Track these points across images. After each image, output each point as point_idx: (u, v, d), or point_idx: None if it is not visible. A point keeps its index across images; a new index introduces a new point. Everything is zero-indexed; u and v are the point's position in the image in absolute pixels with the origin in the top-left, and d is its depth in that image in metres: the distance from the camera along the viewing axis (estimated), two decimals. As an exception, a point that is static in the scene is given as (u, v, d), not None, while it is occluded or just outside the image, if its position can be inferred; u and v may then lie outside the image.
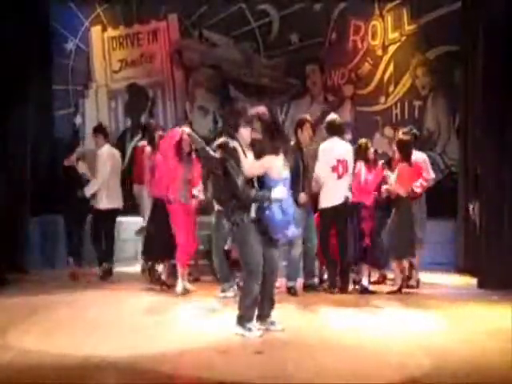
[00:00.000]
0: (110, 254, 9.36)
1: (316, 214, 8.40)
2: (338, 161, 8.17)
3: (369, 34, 11.50)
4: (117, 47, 11.92)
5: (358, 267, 8.32)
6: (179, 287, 8.04)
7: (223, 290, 7.98)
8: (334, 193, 8.15)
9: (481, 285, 8.54)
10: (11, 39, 9.45)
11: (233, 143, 6.20)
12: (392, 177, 8.19)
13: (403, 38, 11.45)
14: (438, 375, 5.14)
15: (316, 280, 8.46)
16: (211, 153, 8.00)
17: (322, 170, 8.21)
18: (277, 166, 6.15)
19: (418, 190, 8.40)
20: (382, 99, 11.53)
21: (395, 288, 8.22)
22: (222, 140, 8.00)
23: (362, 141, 8.48)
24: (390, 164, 8.52)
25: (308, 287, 8.29)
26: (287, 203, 6.16)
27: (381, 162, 8.47)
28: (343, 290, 8.21)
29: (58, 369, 5.20)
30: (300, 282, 8.30)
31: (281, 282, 7.85)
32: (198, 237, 8.71)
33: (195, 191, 8.14)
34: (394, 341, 6.05)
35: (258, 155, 6.17)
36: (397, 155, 8.28)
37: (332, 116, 8.55)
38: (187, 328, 6.56)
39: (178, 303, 7.69)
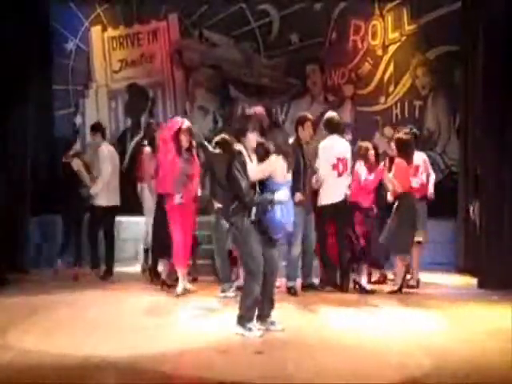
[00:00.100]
0: (111, 253, 9.37)
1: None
2: (338, 159, 8.19)
3: (369, 33, 11.50)
4: (117, 47, 11.92)
5: (359, 267, 8.32)
6: (179, 287, 8.02)
7: (223, 290, 7.98)
8: (334, 190, 8.16)
9: (481, 285, 8.54)
10: (11, 39, 9.45)
11: (238, 146, 6.19)
12: (390, 174, 8.20)
13: (403, 38, 11.46)
14: (438, 375, 5.14)
15: (315, 279, 8.45)
16: (210, 148, 8.04)
17: (322, 167, 8.21)
18: (281, 167, 6.16)
19: (416, 186, 8.40)
20: (382, 99, 11.54)
21: (396, 288, 8.22)
22: (220, 137, 8.06)
23: (363, 144, 8.49)
24: (391, 163, 8.51)
25: (307, 287, 8.28)
26: (289, 204, 6.17)
27: (381, 164, 8.46)
28: (343, 289, 8.21)
29: (58, 369, 5.21)
30: (299, 282, 8.30)
31: (281, 282, 7.86)
32: (199, 236, 8.73)
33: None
34: (394, 341, 6.05)
35: (262, 158, 6.17)
36: (396, 154, 8.29)
37: (330, 113, 8.55)
38: (187, 328, 6.57)
39: (178, 303, 7.68)
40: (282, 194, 6.08)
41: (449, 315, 7.09)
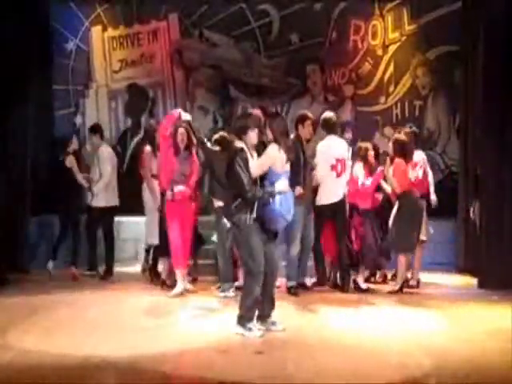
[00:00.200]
0: (111, 254, 9.38)
1: None
2: (337, 159, 8.21)
3: (369, 33, 11.50)
4: (117, 47, 11.92)
5: (358, 267, 8.34)
6: (178, 288, 8.00)
7: (223, 290, 7.98)
8: (333, 190, 8.18)
9: (481, 285, 8.54)
10: (11, 39, 9.44)
11: (240, 144, 6.20)
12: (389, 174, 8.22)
13: (403, 38, 11.46)
14: (438, 375, 5.15)
15: (308, 279, 8.43)
16: (209, 145, 8.04)
17: (321, 168, 8.22)
18: (280, 157, 6.18)
19: (412, 179, 8.43)
20: (383, 99, 11.54)
21: (396, 288, 8.23)
22: (219, 135, 8.07)
23: (362, 145, 8.51)
24: (392, 163, 8.52)
25: (300, 286, 8.24)
26: (288, 194, 6.19)
27: (379, 168, 8.49)
28: (344, 289, 8.22)
29: (58, 369, 5.21)
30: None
31: (281, 282, 7.85)
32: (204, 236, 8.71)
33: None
34: (394, 341, 6.05)
35: (260, 152, 6.20)
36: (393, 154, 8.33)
37: (327, 114, 8.56)
38: (187, 328, 6.57)
39: (178, 303, 7.68)
40: (282, 185, 6.10)
41: (449, 315, 7.09)
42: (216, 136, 8.11)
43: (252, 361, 5.45)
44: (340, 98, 11.63)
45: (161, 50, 11.89)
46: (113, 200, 9.35)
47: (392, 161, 8.25)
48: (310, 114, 8.30)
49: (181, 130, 7.97)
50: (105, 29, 11.86)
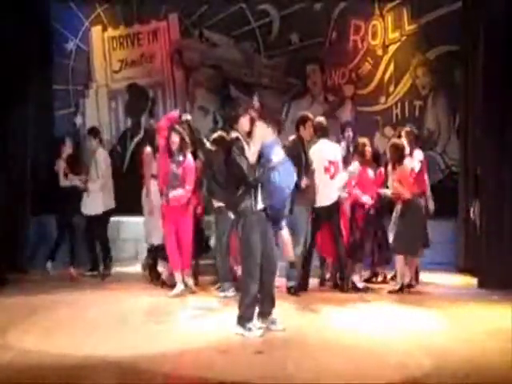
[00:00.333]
0: (109, 253, 9.46)
1: None
2: (330, 162, 8.26)
3: (369, 33, 11.51)
4: (117, 47, 11.93)
5: (352, 265, 8.38)
6: (178, 288, 8.00)
7: (223, 290, 7.98)
8: (327, 193, 8.20)
9: (481, 285, 8.54)
10: (11, 39, 9.45)
11: (235, 134, 6.28)
12: (393, 180, 8.24)
13: (403, 38, 11.46)
14: (438, 375, 5.15)
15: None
16: (208, 145, 8.05)
17: (315, 170, 8.26)
18: (268, 130, 6.24)
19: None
20: (383, 99, 11.55)
21: (397, 287, 8.23)
22: (218, 134, 8.07)
23: (360, 141, 8.57)
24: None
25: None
26: (286, 163, 6.19)
27: (381, 169, 8.53)
28: (343, 289, 8.23)
29: (58, 369, 5.21)
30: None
31: (281, 282, 7.84)
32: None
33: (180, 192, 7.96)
34: (394, 341, 6.05)
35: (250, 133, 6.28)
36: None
37: (318, 118, 8.60)
38: (187, 328, 6.57)
39: (177, 303, 7.68)
40: (278, 155, 6.13)
41: (449, 315, 7.09)
42: (214, 136, 8.11)
43: (252, 361, 5.45)
44: (340, 98, 11.64)
45: (161, 49, 11.89)
46: (109, 203, 9.43)
47: (393, 167, 8.27)
48: (311, 115, 8.33)
49: (174, 133, 7.94)
50: (105, 29, 11.87)
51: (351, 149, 8.88)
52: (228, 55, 11.74)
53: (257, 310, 6.26)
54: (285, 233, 6.46)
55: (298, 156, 7.63)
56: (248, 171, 6.07)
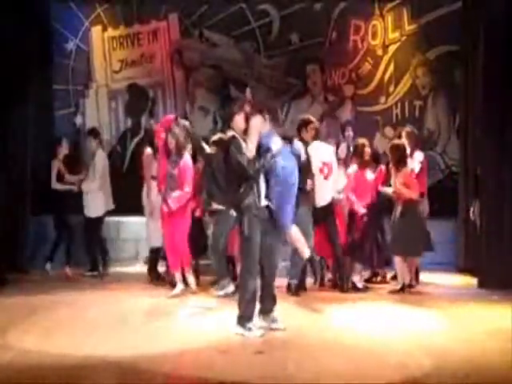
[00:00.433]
0: (106, 253, 9.52)
1: None
2: (324, 163, 8.27)
3: (369, 33, 11.51)
4: (117, 47, 11.93)
5: (351, 264, 8.39)
6: (178, 288, 8.01)
7: (223, 287, 7.94)
8: (321, 194, 8.22)
9: (481, 285, 8.54)
10: (11, 39, 9.45)
11: (231, 132, 6.34)
12: (397, 182, 8.24)
13: (403, 38, 11.46)
14: (438, 375, 5.14)
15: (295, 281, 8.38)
16: (207, 150, 8.05)
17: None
18: (262, 122, 6.22)
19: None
20: (383, 99, 11.55)
21: (398, 287, 8.24)
22: (217, 136, 8.08)
23: (359, 141, 8.58)
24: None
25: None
26: (284, 150, 6.22)
27: (381, 167, 8.53)
28: (343, 289, 8.24)
29: (57, 369, 5.20)
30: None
31: (281, 282, 7.83)
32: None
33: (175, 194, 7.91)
34: (394, 340, 6.05)
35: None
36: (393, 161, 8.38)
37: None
38: (187, 328, 6.57)
39: (177, 303, 7.68)
40: (276, 143, 6.16)
41: (449, 315, 7.08)
42: (214, 138, 8.11)
43: (252, 361, 5.45)
44: (340, 98, 11.64)
45: (161, 50, 11.90)
46: (109, 205, 9.48)
47: (396, 168, 8.27)
48: (313, 118, 8.37)
49: (170, 134, 7.93)
50: (105, 29, 11.87)
51: (352, 149, 8.89)
52: (228, 55, 11.75)
53: (258, 307, 6.27)
54: (294, 231, 6.43)
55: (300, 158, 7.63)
56: (247, 165, 6.08)
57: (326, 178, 8.26)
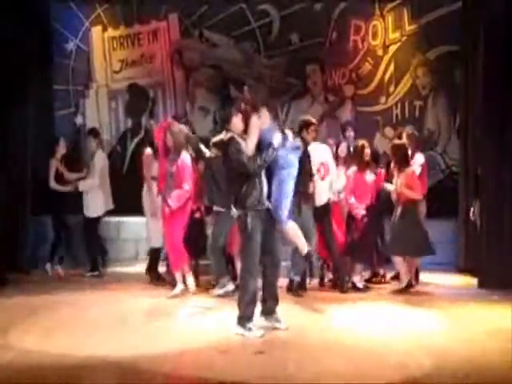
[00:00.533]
0: (106, 253, 9.58)
1: None
2: (320, 163, 8.29)
3: (369, 33, 11.50)
4: (117, 47, 11.92)
5: (351, 265, 8.39)
6: (178, 288, 8.01)
7: (223, 285, 7.94)
8: (318, 195, 8.22)
9: (481, 285, 8.54)
10: (11, 39, 9.45)
11: (230, 134, 6.34)
12: (399, 183, 8.25)
13: (404, 38, 11.45)
14: (438, 375, 5.15)
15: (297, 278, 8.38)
16: (207, 154, 8.05)
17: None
18: (262, 121, 6.26)
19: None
20: (383, 99, 11.54)
21: (403, 285, 8.24)
22: (218, 138, 8.07)
23: (359, 142, 8.57)
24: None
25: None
26: (288, 149, 6.30)
27: (381, 170, 8.55)
28: (343, 290, 8.24)
29: (58, 369, 5.21)
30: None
31: (282, 282, 7.83)
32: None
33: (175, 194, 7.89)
34: (394, 341, 6.06)
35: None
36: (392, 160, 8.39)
37: None
38: (187, 328, 6.58)
39: (177, 303, 7.68)
40: (277, 137, 6.21)
41: (449, 315, 7.09)
42: (214, 139, 8.10)
43: (252, 361, 5.46)
44: (340, 98, 11.63)
45: (161, 50, 11.89)
46: (109, 204, 9.50)
47: (398, 169, 8.27)
48: (314, 120, 8.37)
49: (168, 133, 7.94)
50: (105, 29, 11.86)
51: (352, 149, 8.88)
52: (228, 55, 11.74)
53: (260, 308, 6.27)
54: (291, 227, 6.44)
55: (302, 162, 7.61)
56: (248, 162, 6.09)
57: (322, 178, 8.29)
